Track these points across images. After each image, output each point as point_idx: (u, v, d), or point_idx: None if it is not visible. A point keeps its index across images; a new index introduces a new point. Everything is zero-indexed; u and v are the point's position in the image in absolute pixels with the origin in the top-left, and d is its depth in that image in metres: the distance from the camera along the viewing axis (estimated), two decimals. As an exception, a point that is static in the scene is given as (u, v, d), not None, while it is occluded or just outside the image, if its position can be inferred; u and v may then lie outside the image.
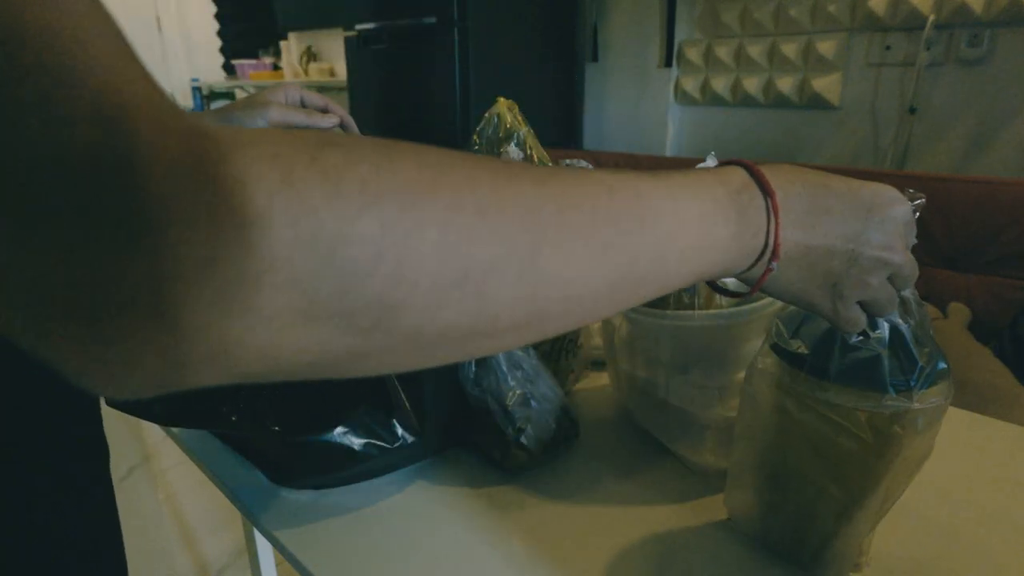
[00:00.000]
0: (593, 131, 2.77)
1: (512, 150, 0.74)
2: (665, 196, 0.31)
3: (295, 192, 0.19)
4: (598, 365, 0.83)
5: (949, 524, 0.56)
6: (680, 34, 2.38)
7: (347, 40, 2.77)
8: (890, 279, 0.38)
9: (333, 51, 3.72)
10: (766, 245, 0.35)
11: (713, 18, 2.27)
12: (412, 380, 0.60)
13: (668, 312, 0.58)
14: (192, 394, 0.57)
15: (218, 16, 4.33)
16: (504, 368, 0.62)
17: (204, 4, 4.27)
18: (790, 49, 2.09)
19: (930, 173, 1.76)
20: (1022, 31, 1.68)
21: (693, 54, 2.34)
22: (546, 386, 0.64)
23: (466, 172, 0.24)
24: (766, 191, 0.35)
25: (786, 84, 2.12)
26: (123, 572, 0.45)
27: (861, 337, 0.42)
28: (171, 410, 0.56)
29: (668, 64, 2.43)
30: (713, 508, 0.58)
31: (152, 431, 2.06)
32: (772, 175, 0.35)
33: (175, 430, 0.71)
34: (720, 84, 2.29)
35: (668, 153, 2.52)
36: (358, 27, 2.68)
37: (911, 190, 0.39)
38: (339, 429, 0.56)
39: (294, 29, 3.91)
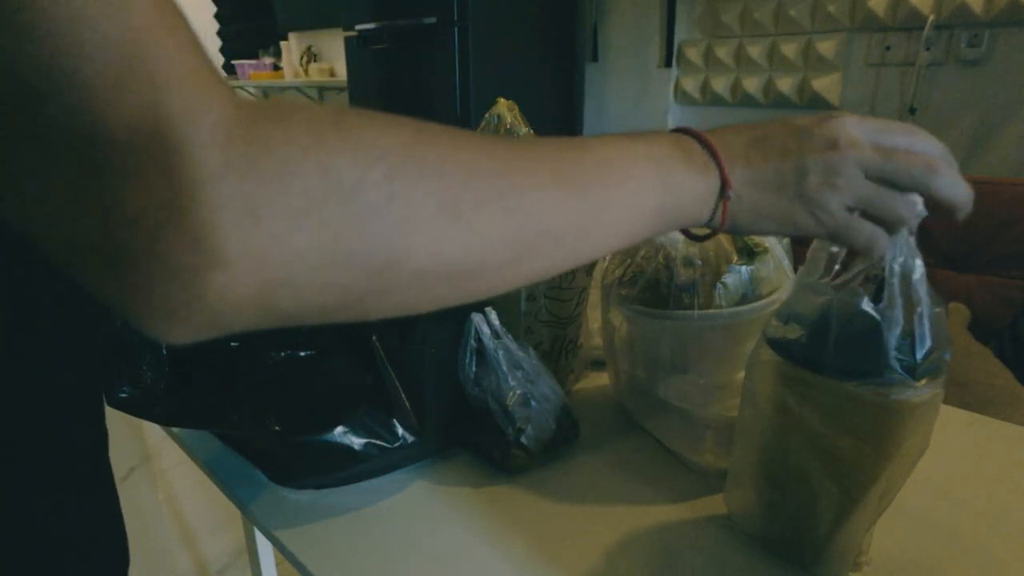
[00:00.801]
0: (593, 131, 2.77)
1: None
2: (628, 157, 0.36)
3: (325, 149, 0.24)
4: (598, 365, 0.83)
5: (949, 524, 0.56)
6: (680, 34, 2.39)
7: (347, 40, 2.77)
8: (872, 177, 0.38)
9: (333, 51, 3.72)
10: (721, 183, 0.38)
11: (713, 18, 2.27)
12: (412, 380, 0.60)
13: (668, 312, 0.58)
14: (193, 394, 0.57)
15: (218, 16, 4.33)
16: (504, 368, 0.62)
17: (204, 4, 4.27)
18: (790, 49, 2.09)
19: (930, 173, 1.75)
20: (1022, 31, 1.68)
21: (693, 54, 2.34)
22: (546, 386, 0.65)
23: (451, 136, 0.30)
24: (702, 139, 0.39)
25: (786, 84, 2.12)
26: (124, 572, 0.45)
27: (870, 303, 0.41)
28: (172, 410, 0.56)
29: (668, 64, 2.43)
30: (713, 507, 0.58)
31: (152, 431, 2.06)
32: (707, 131, 0.40)
33: (175, 430, 0.71)
34: (720, 84, 2.29)
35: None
36: (358, 27, 2.68)
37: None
38: (339, 429, 0.57)
39: (294, 29, 3.91)
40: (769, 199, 0.39)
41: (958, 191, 0.39)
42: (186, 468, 1.98)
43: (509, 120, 0.80)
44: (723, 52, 2.26)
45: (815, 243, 0.45)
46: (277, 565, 1.21)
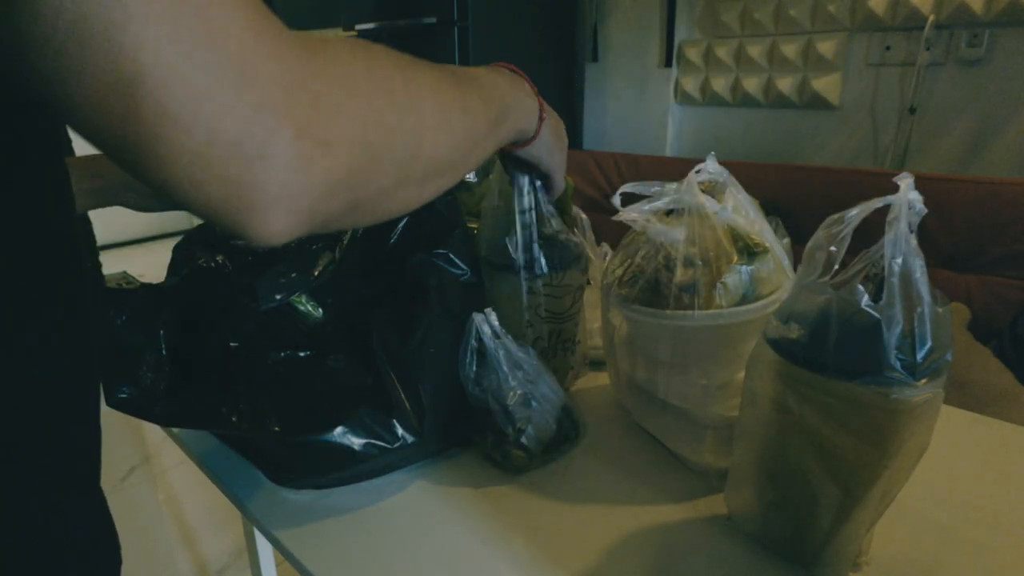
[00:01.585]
0: (593, 131, 2.77)
1: None
2: (499, 78, 0.52)
3: (375, 78, 0.33)
4: (598, 365, 0.83)
5: (949, 524, 0.56)
6: (680, 34, 2.38)
7: (347, 40, 2.76)
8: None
9: (333, 51, 3.72)
10: (540, 111, 0.58)
11: (713, 18, 2.27)
12: (412, 380, 0.60)
13: (668, 312, 0.58)
14: (192, 395, 0.57)
15: (218, 16, 4.33)
16: (505, 368, 0.62)
17: (204, 4, 4.26)
18: (790, 49, 2.09)
19: (930, 173, 1.76)
20: (1022, 31, 1.68)
21: (693, 54, 2.34)
22: (547, 387, 0.65)
23: (415, 62, 0.38)
24: (526, 78, 0.58)
25: (786, 84, 2.12)
26: (117, 572, 0.45)
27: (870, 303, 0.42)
28: (172, 411, 0.56)
29: (668, 64, 2.43)
30: (713, 507, 0.58)
31: (152, 431, 2.06)
32: None
33: (175, 430, 0.71)
34: (720, 84, 2.29)
35: (668, 153, 2.52)
36: (358, 27, 2.68)
37: None
38: (339, 429, 0.56)
39: (294, 29, 3.91)
40: (552, 138, 0.61)
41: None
42: (186, 468, 1.98)
43: (509, 120, 0.80)
44: (723, 52, 2.25)
45: (814, 243, 0.45)
46: (277, 565, 1.21)
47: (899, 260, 0.41)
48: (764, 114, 2.23)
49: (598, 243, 0.95)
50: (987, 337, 1.48)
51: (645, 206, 0.59)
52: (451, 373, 0.63)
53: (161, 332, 0.59)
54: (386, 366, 0.60)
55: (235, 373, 0.58)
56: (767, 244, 0.59)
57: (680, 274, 0.58)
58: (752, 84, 2.20)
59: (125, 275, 0.65)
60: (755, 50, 2.17)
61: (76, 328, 0.39)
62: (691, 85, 2.38)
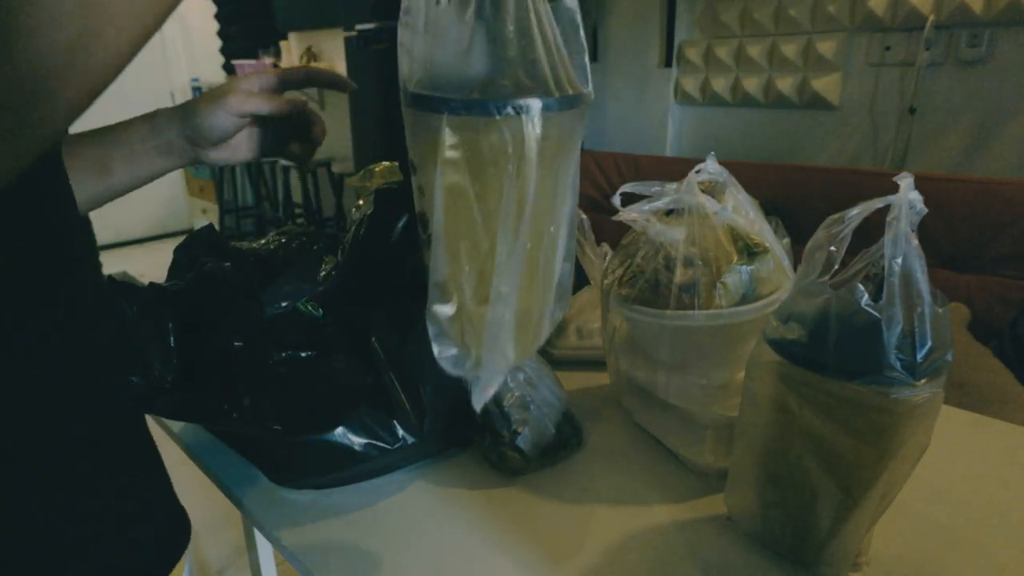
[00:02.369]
0: (593, 131, 2.77)
1: None
2: None
3: None
4: (598, 365, 0.83)
5: (949, 524, 0.56)
6: (680, 34, 2.38)
7: (347, 40, 2.77)
8: None
9: (333, 51, 3.72)
10: None
11: (713, 18, 2.27)
12: (412, 380, 0.60)
13: (668, 312, 0.58)
14: (194, 392, 0.57)
15: (218, 16, 4.33)
16: (504, 368, 0.62)
17: (204, 4, 4.26)
18: (790, 49, 2.09)
19: (930, 173, 1.76)
20: (1022, 31, 1.68)
21: (693, 54, 2.34)
22: (548, 391, 0.64)
23: None
24: None
25: (786, 84, 2.12)
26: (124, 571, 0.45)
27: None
28: (173, 405, 0.56)
29: (668, 64, 2.43)
30: (713, 507, 0.58)
31: (152, 431, 2.05)
32: None
33: (175, 429, 0.72)
34: (720, 84, 2.29)
35: (668, 153, 2.52)
36: (358, 27, 2.68)
37: None
38: (339, 429, 0.57)
39: (294, 29, 3.91)
40: None
41: None
42: (186, 468, 1.97)
43: (509, 120, 0.80)
44: (723, 52, 2.25)
45: (814, 243, 0.45)
46: (277, 565, 1.21)
47: (899, 260, 0.41)
48: (764, 114, 2.23)
49: (598, 243, 0.95)
50: (987, 337, 1.48)
51: (645, 206, 0.59)
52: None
53: (169, 324, 0.59)
54: (386, 366, 0.60)
55: (236, 373, 0.58)
56: (767, 244, 0.59)
57: (680, 274, 0.58)
58: (752, 84, 2.20)
59: (125, 276, 0.65)
60: (755, 50, 2.17)
61: (76, 328, 0.39)
62: (691, 85, 2.38)
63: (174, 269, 0.69)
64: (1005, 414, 0.74)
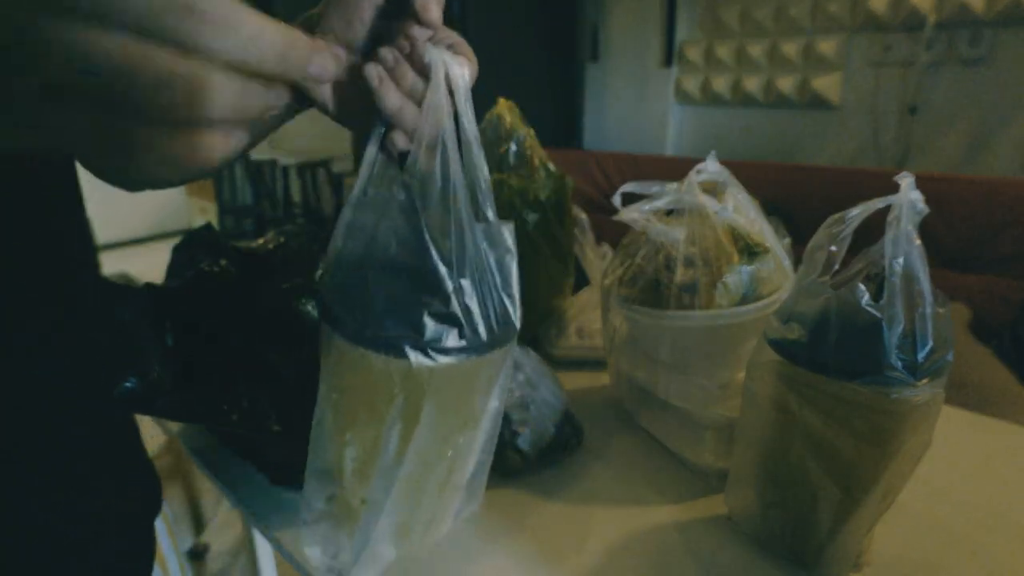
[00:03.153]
0: (593, 131, 2.77)
1: None
2: None
3: None
4: (598, 365, 0.83)
5: (949, 524, 0.56)
6: (680, 34, 2.38)
7: (347, 40, 2.76)
8: None
9: (333, 51, 3.71)
10: None
11: (713, 18, 2.27)
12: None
13: (668, 312, 0.58)
14: (194, 393, 0.57)
15: (218, 16, 4.33)
16: (504, 368, 0.62)
17: (204, 4, 4.26)
18: (790, 49, 2.09)
19: (931, 173, 1.76)
20: (1022, 31, 1.68)
21: (693, 54, 2.34)
22: (549, 392, 0.64)
23: None
24: None
25: (786, 84, 2.12)
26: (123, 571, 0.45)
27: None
28: (174, 405, 0.56)
29: (668, 64, 2.43)
30: (713, 507, 0.58)
31: (152, 431, 2.05)
32: None
33: (175, 430, 0.72)
34: (720, 84, 2.29)
35: (668, 153, 2.52)
36: (358, 27, 2.67)
37: None
38: (339, 429, 0.56)
39: (294, 29, 3.90)
40: None
41: None
42: (187, 468, 1.98)
43: (509, 120, 0.80)
44: (723, 52, 2.25)
45: (814, 243, 0.45)
46: (277, 565, 1.21)
47: (900, 260, 0.41)
48: (764, 114, 2.23)
49: (598, 243, 0.95)
50: (987, 337, 1.48)
51: (645, 206, 0.59)
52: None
53: (167, 324, 0.59)
54: (386, 366, 0.60)
55: (236, 373, 0.58)
56: (767, 244, 0.59)
57: (680, 274, 0.58)
58: (752, 84, 2.20)
59: (124, 276, 0.65)
60: (755, 50, 2.17)
61: (76, 328, 0.39)
62: (691, 85, 2.38)
63: (173, 269, 0.69)
64: (1005, 414, 0.74)
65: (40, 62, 0.23)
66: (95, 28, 0.23)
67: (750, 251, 0.58)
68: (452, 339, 0.35)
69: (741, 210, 0.60)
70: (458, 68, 0.36)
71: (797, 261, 0.52)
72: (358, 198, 0.36)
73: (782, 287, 0.59)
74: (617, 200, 0.59)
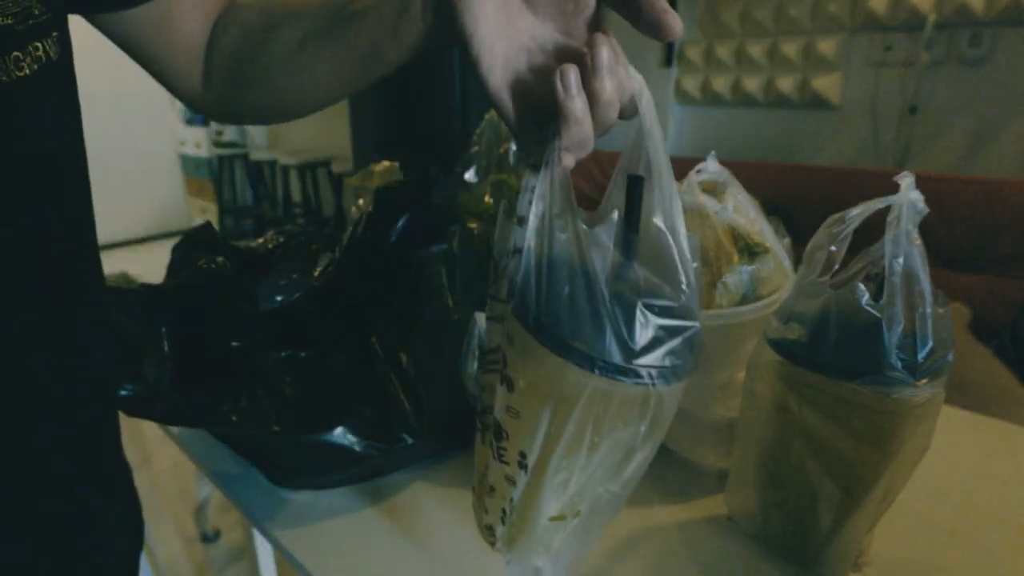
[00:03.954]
0: (593, 131, 2.77)
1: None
2: None
3: None
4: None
5: (949, 524, 0.56)
6: (680, 34, 2.39)
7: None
8: None
9: (333, 51, 3.71)
10: None
11: (713, 18, 2.27)
12: (412, 380, 0.60)
13: (668, 312, 0.58)
14: (193, 393, 0.57)
15: (218, 16, 4.32)
16: (504, 368, 0.61)
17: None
18: (790, 49, 2.09)
19: (930, 173, 1.76)
20: (1022, 31, 1.68)
21: (693, 54, 2.34)
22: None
23: None
24: None
25: (786, 84, 2.12)
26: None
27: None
28: (173, 409, 0.56)
29: (668, 64, 2.43)
30: (713, 507, 0.58)
31: (151, 432, 2.05)
32: None
33: (175, 431, 0.71)
34: (720, 84, 2.29)
35: (668, 152, 2.52)
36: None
37: None
38: (339, 429, 0.56)
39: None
40: None
41: None
42: (185, 469, 1.98)
43: (509, 120, 0.80)
44: (723, 52, 2.25)
45: (815, 242, 0.45)
46: (277, 565, 1.21)
47: (900, 260, 0.41)
48: (764, 114, 2.23)
49: (598, 243, 0.95)
50: (987, 337, 1.48)
51: (645, 206, 0.59)
52: (451, 373, 0.63)
53: (163, 328, 0.59)
54: (386, 366, 0.60)
55: (236, 373, 0.58)
56: (768, 244, 0.59)
57: (680, 274, 0.58)
58: (752, 84, 2.20)
59: (124, 276, 0.65)
60: (755, 50, 2.17)
61: (76, 328, 0.39)
62: (691, 85, 2.38)
63: (172, 269, 0.68)
64: (1005, 414, 0.74)
65: None
66: None
67: (750, 251, 0.58)
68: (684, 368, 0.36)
69: (741, 210, 0.60)
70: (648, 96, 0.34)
71: (797, 261, 0.52)
72: (547, 218, 0.35)
73: (782, 287, 0.59)
74: (617, 200, 0.59)
